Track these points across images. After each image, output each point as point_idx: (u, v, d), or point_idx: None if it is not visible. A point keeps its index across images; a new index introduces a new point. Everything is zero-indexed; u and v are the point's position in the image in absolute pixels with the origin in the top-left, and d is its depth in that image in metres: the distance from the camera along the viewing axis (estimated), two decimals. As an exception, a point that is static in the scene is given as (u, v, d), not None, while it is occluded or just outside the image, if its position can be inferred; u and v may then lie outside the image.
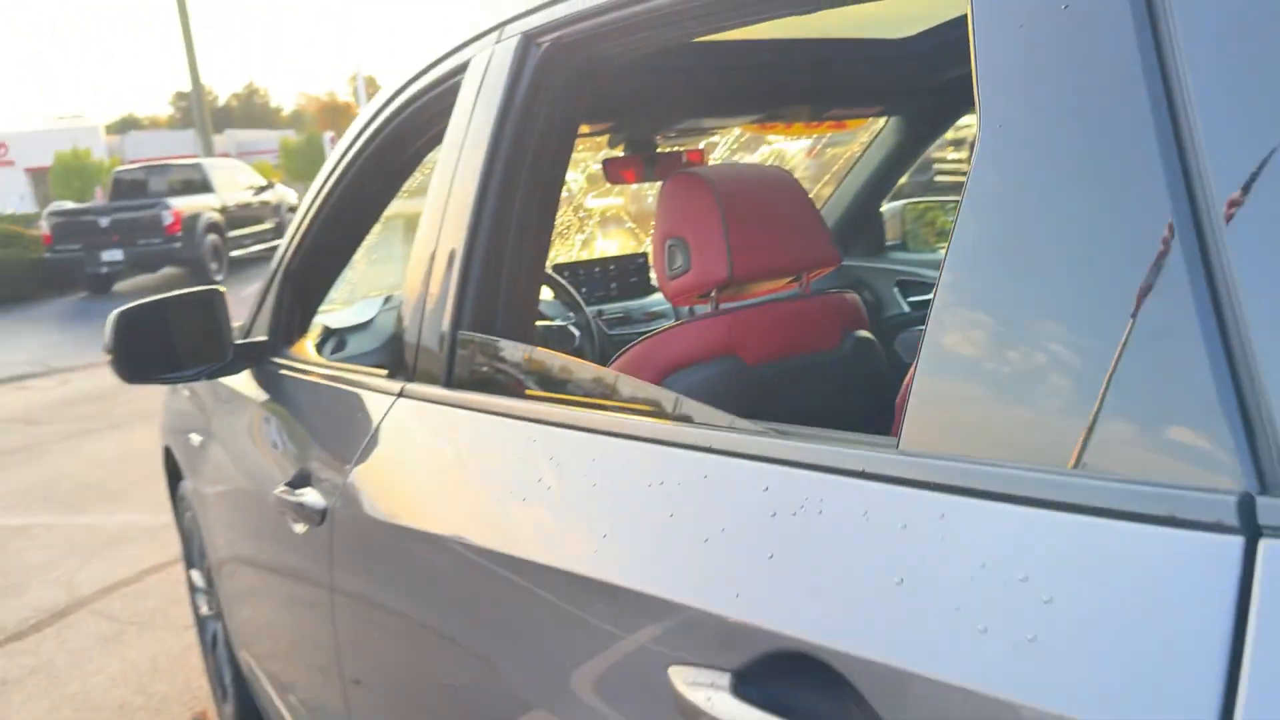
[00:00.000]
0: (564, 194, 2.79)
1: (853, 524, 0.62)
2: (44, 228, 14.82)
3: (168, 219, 13.84)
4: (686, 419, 0.84)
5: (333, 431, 1.49)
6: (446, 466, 1.17)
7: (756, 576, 0.66)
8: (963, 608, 0.53)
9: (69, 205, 17.07)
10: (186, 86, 20.69)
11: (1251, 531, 0.45)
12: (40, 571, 4.19)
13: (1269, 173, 0.48)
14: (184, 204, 14.31)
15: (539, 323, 2.14)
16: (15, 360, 10.25)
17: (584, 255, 2.87)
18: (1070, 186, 0.57)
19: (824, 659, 0.59)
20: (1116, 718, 0.46)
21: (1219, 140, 0.50)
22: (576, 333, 2.12)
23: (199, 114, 20.63)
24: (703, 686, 0.65)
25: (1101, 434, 0.53)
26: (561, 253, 2.81)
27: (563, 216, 2.80)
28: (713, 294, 1.32)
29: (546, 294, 2.35)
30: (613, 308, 2.52)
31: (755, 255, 1.29)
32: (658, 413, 0.89)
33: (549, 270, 2.42)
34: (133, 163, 21.77)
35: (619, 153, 2.23)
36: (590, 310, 2.34)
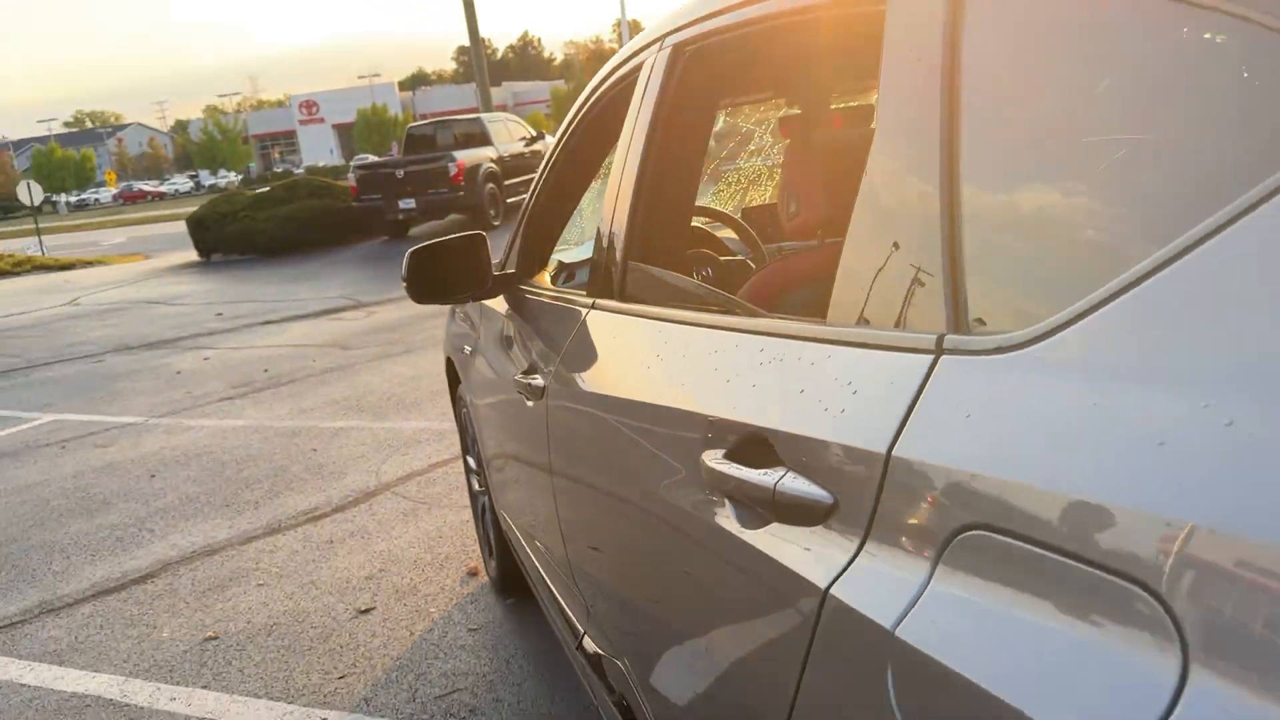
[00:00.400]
0: (753, 146, 3.23)
1: (794, 365, 1.09)
2: (350, 180, 16.73)
3: (453, 170, 15.27)
4: (729, 312, 1.33)
5: (551, 334, 2.07)
6: (611, 351, 1.71)
7: (745, 397, 1.15)
8: (821, 399, 1.00)
9: (371, 158, 19.22)
10: (468, 41, 22.34)
11: (938, 354, 0.89)
12: (355, 463, 5.20)
13: (991, 156, 0.91)
14: (466, 156, 15.68)
15: (723, 257, 2.62)
16: (330, 296, 11.92)
17: (772, 200, 3.31)
18: (904, 154, 1.00)
19: (763, 435, 1.07)
20: (862, 437, 0.91)
21: (973, 135, 0.92)
22: (753, 265, 2.59)
23: (479, 69, 22.27)
24: (712, 460, 1.15)
25: (890, 309, 0.97)
26: (754, 198, 3.25)
27: (754, 167, 3.23)
28: (819, 231, 1.76)
29: (732, 234, 2.83)
30: (791, 244, 2.96)
31: (850, 200, 1.72)
32: (715, 310, 1.37)
33: (737, 216, 2.89)
34: (423, 118, 23.88)
35: (795, 110, 2.65)
36: (772, 247, 2.79)
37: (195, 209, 18.15)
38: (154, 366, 8.67)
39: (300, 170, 62.75)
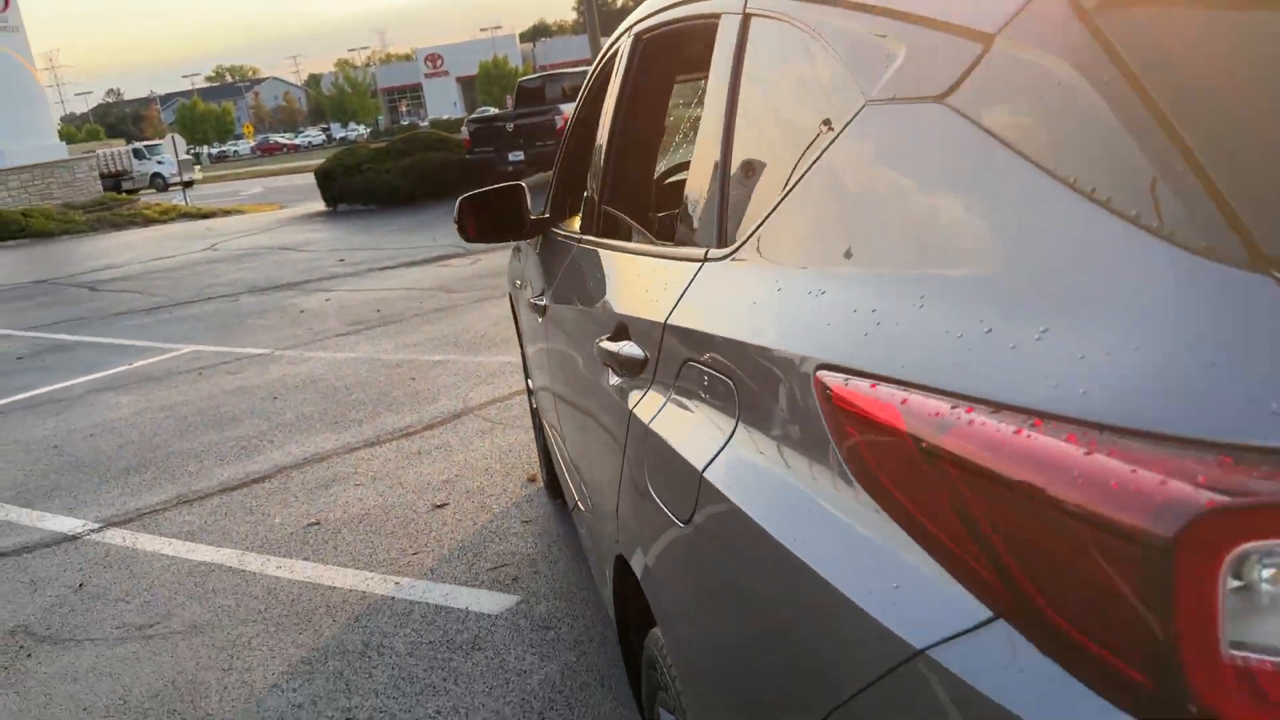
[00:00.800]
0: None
1: (649, 274, 1.57)
2: (464, 133, 17.47)
3: (558, 123, 15.81)
4: (629, 238, 1.82)
5: (554, 265, 2.58)
6: (580, 276, 2.21)
7: (624, 298, 1.63)
8: (651, 294, 1.47)
9: (491, 111, 19.95)
10: (580, -3, 22.76)
11: (704, 261, 1.35)
12: (447, 389, 5.84)
13: (742, 148, 1.36)
14: (571, 109, 16.14)
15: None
16: (441, 244, 12.68)
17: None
18: (709, 128, 1.46)
19: (623, 322, 1.56)
20: (656, 315, 1.38)
21: (739, 135, 1.38)
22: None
23: (591, 20, 22.70)
24: (600, 342, 1.64)
25: (695, 234, 1.44)
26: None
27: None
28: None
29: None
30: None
31: None
32: (637, 239, 1.86)
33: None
34: (542, 69, 24.38)
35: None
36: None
37: (322, 161, 19.26)
38: (281, 306, 9.55)
39: (425, 123, 64.51)
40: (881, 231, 0.92)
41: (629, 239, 1.98)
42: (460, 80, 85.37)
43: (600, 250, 2.04)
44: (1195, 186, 0.62)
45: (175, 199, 25.90)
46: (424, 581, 3.40)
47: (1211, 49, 0.68)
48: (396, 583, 3.42)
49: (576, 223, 3.05)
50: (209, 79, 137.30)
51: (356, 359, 6.94)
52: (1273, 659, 0.54)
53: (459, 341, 7.09)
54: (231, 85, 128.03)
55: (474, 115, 19.28)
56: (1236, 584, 0.55)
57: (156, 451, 5.33)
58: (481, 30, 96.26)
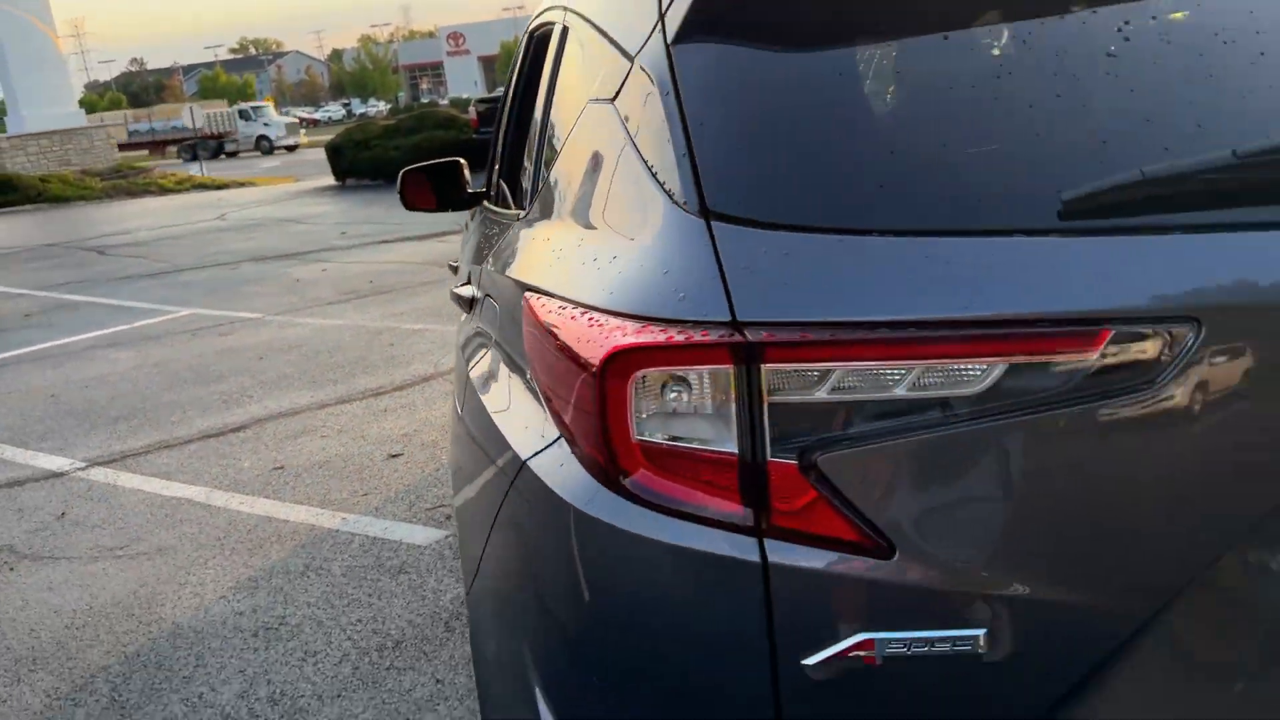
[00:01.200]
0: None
1: (489, 232, 1.92)
2: (471, 113, 17.82)
3: (562, 104, 16.12)
4: (505, 206, 2.17)
5: (470, 231, 2.93)
6: (474, 235, 2.55)
7: (471, 250, 1.98)
8: (487, 247, 1.82)
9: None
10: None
11: (516, 220, 1.70)
12: (421, 355, 6.21)
13: (548, 149, 1.71)
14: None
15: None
16: (442, 220, 12.98)
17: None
18: (537, 116, 1.80)
19: (470, 271, 1.90)
20: (480, 259, 1.73)
21: (551, 114, 1.72)
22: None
23: (603, 6, 22.93)
24: (452, 289, 1.99)
25: (517, 203, 1.78)
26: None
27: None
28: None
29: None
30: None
31: None
32: (510, 207, 2.22)
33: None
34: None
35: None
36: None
37: (332, 137, 19.65)
38: (279, 275, 9.94)
39: (445, 101, 64.88)
40: (578, 197, 1.26)
41: (505, 207, 2.33)
42: (482, 59, 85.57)
43: (485, 216, 2.39)
44: (688, 165, 0.96)
45: (192, 169, 26.35)
46: (367, 518, 3.77)
47: (722, 71, 1.02)
48: (343, 518, 3.78)
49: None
50: (232, 51, 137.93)
51: (342, 325, 7.32)
52: (664, 442, 0.90)
53: (441, 312, 7.45)
54: (254, 58, 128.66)
55: (482, 96, 19.64)
56: (657, 400, 0.90)
57: (145, 402, 5.71)
58: (504, 10, 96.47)
